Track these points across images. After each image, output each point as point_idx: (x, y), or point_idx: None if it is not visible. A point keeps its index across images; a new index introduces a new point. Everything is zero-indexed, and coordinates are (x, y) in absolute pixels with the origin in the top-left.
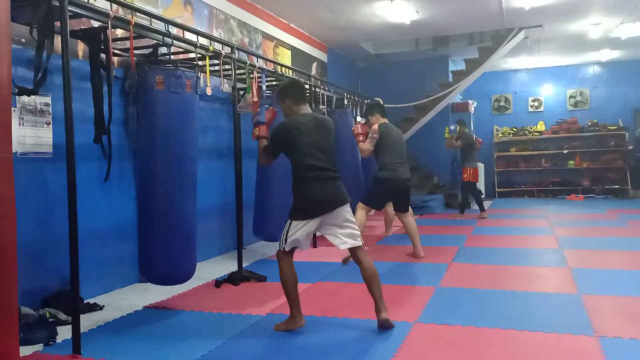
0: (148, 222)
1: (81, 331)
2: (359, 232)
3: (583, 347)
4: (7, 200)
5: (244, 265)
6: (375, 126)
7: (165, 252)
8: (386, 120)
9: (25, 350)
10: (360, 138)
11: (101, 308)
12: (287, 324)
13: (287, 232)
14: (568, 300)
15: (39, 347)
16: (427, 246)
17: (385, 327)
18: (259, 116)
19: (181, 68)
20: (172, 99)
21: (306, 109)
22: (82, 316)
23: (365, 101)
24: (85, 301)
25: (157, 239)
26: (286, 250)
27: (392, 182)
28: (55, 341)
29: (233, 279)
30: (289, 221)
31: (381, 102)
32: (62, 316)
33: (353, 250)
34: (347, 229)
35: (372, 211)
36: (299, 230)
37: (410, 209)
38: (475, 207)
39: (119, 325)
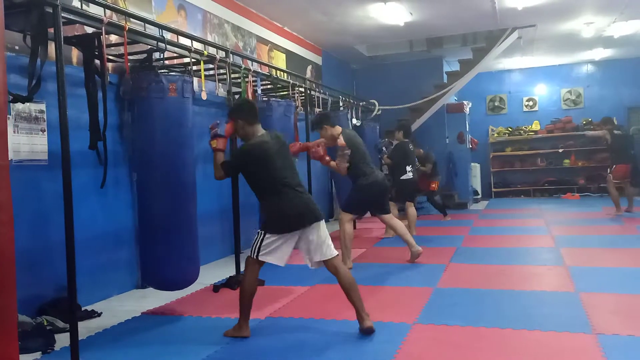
0: (149, 228)
1: (79, 338)
2: (331, 243)
3: (581, 345)
4: (4, 207)
5: (242, 269)
6: (342, 141)
7: (168, 257)
8: (339, 128)
9: (23, 359)
10: (327, 159)
11: (99, 315)
12: (234, 331)
13: (261, 241)
14: (565, 299)
15: (36, 355)
16: (424, 247)
17: (369, 333)
18: (218, 128)
19: (173, 72)
20: (165, 104)
21: (260, 128)
22: (80, 323)
23: (361, 103)
24: (83, 308)
25: (160, 245)
26: (258, 259)
27: (375, 187)
28: (53, 349)
29: (231, 283)
30: (262, 232)
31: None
32: (60, 324)
33: (329, 261)
34: (324, 243)
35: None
36: (273, 243)
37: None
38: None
39: (117, 331)
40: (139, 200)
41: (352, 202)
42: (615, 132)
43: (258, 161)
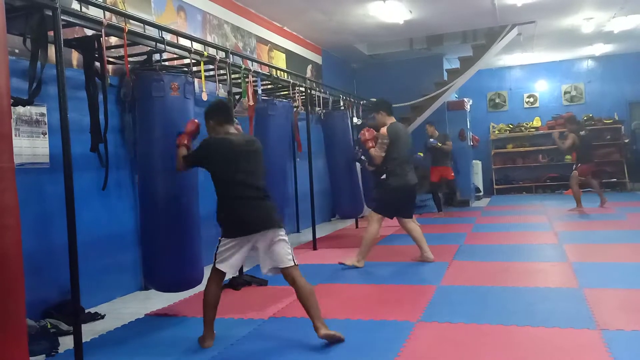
0: (152, 230)
1: (83, 341)
2: (290, 252)
3: (586, 340)
4: (11, 210)
5: (245, 269)
6: (384, 130)
7: (171, 259)
8: (393, 119)
9: None
10: (369, 144)
11: (102, 317)
12: (200, 340)
13: (217, 248)
14: (569, 295)
15: (41, 358)
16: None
17: (331, 340)
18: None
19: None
20: (167, 104)
21: (231, 129)
22: (83, 326)
23: (361, 102)
24: (87, 310)
25: (163, 246)
26: (217, 267)
27: (404, 190)
28: (57, 352)
29: (234, 283)
30: (219, 238)
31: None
32: (64, 326)
33: (285, 271)
34: (275, 251)
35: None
36: (227, 251)
37: None
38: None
39: (121, 334)
40: (140, 202)
41: (382, 204)
42: (581, 133)
43: (215, 156)
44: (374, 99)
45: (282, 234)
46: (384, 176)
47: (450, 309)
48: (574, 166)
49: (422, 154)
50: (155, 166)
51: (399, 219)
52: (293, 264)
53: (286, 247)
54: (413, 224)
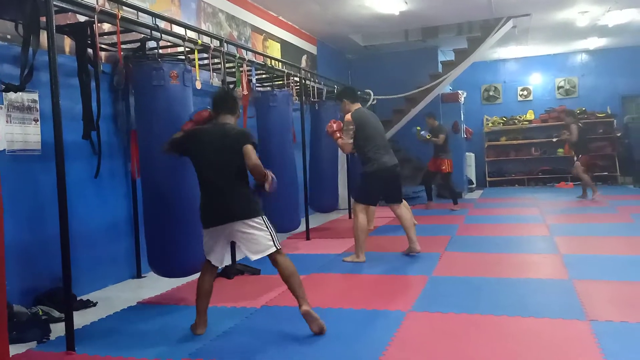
0: (156, 218)
1: (75, 328)
2: (266, 240)
3: (575, 331)
4: None
5: (238, 258)
6: (348, 116)
7: (175, 244)
8: (359, 106)
9: (18, 349)
10: (337, 135)
11: (94, 305)
12: (192, 327)
13: (203, 237)
14: (560, 286)
15: (32, 344)
16: (419, 236)
17: (311, 322)
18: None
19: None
20: (167, 93)
21: (224, 119)
22: (75, 313)
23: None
24: (79, 298)
25: (167, 233)
26: (206, 257)
27: (381, 174)
28: (48, 339)
29: (227, 272)
30: None
31: (352, 87)
32: (55, 313)
33: (269, 257)
34: (250, 241)
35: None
36: (208, 242)
37: (404, 200)
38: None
39: (113, 321)
40: (143, 189)
41: (361, 192)
42: (579, 124)
43: (186, 146)
44: (368, 90)
45: (252, 223)
46: (362, 165)
47: (442, 299)
48: (576, 158)
49: (418, 128)
50: (157, 154)
51: (388, 204)
52: (274, 249)
53: (261, 234)
54: (404, 210)
